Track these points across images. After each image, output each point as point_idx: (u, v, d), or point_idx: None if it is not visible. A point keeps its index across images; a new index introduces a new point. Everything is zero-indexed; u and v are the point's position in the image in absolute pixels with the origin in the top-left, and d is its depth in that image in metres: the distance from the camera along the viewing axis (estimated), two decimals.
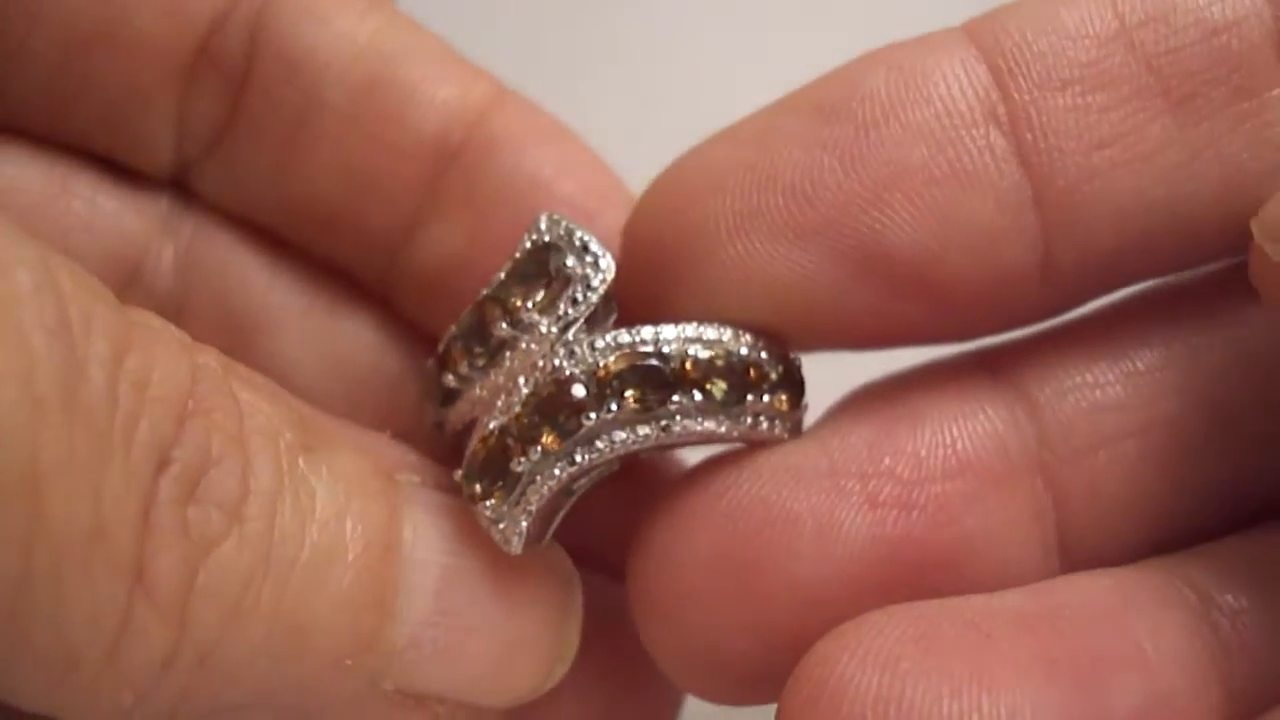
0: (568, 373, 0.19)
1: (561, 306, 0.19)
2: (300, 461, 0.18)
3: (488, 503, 0.19)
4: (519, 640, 0.20)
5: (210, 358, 0.17)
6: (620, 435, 0.19)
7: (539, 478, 0.19)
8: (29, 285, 0.14)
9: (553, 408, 0.19)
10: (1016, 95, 0.19)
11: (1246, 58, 0.19)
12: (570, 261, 0.20)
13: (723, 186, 0.19)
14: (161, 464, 0.16)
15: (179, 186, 0.24)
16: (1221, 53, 0.19)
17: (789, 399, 0.20)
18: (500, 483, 0.19)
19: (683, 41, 0.45)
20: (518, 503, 0.19)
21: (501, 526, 0.19)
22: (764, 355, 0.20)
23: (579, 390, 0.19)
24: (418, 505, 0.19)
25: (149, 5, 0.21)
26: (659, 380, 0.19)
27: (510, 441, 0.19)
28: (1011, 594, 0.19)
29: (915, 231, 0.19)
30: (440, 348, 0.21)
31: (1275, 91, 0.19)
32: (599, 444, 0.19)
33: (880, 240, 0.19)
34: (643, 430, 0.19)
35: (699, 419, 0.19)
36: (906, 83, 0.19)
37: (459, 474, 0.20)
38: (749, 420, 0.20)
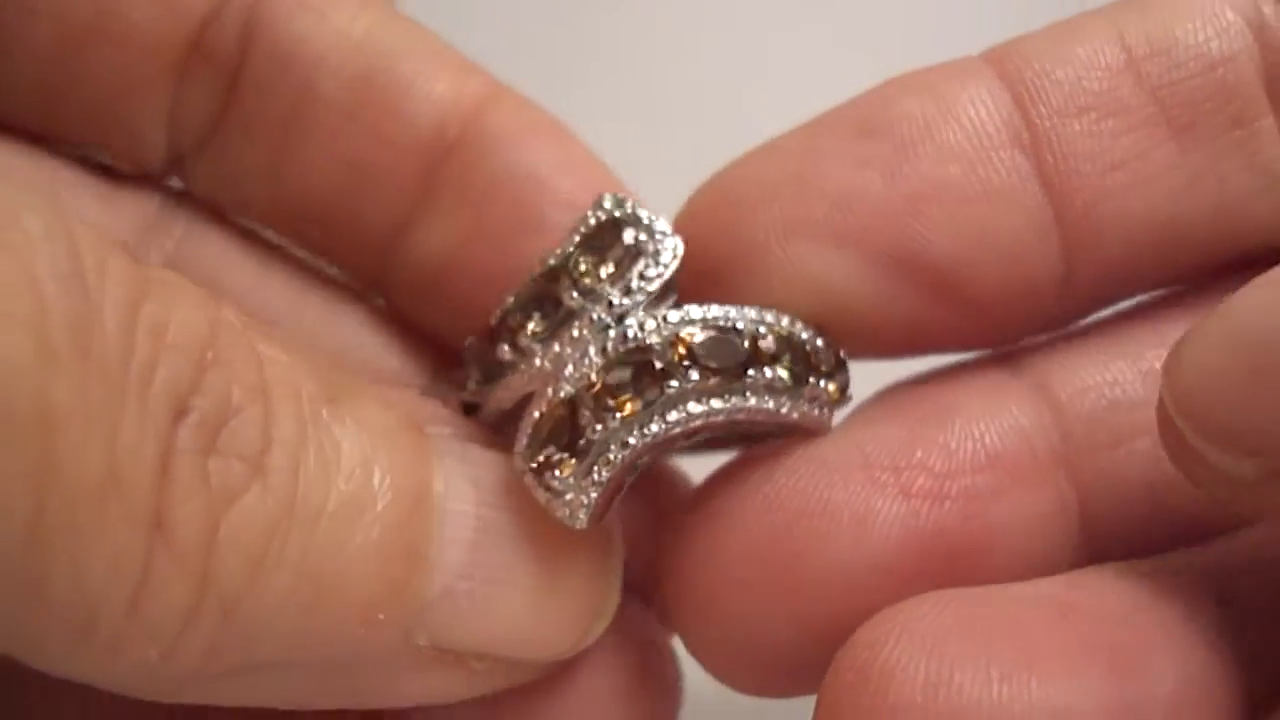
0: (647, 341, 0.19)
1: (632, 279, 0.19)
2: (324, 412, 0.17)
3: (555, 473, 0.19)
4: (557, 594, 0.19)
5: (230, 313, 0.17)
6: (696, 408, 0.19)
7: (613, 447, 0.19)
8: (39, 231, 0.14)
9: (632, 375, 0.19)
10: (1038, 121, 0.20)
11: (1240, 90, 0.20)
12: (641, 237, 0.20)
13: (772, 195, 0.20)
14: (180, 412, 0.15)
15: (170, 185, 0.23)
16: (1218, 85, 0.20)
17: (838, 388, 0.21)
18: (569, 453, 0.19)
19: (682, 41, 0.46)
20: (588, 473, 0.19)
21: (568, 498, 0.19)
22: (820, 344, 0.20)
23: (658, 359, 0.19)
24: (450, 457, 0.19)
25: None
26: (734, 355, 0.19)
27: (584, 410, 0.19)
28: (1045, 583, 0.19)
29: (950, 242, 0.20)
30: (495, 319, 0.21)
31: (1263, 122, 0.21)
32: (673, 415, 0.19)
33: (918, 249, 0.20)
34: (716, 404, 0.19)
35: (767, 398, 0.19)
36: (939, 106, 0.20)
37: (520, 444, 0.19)
38: (805, 405, 0.20)
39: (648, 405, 0.19)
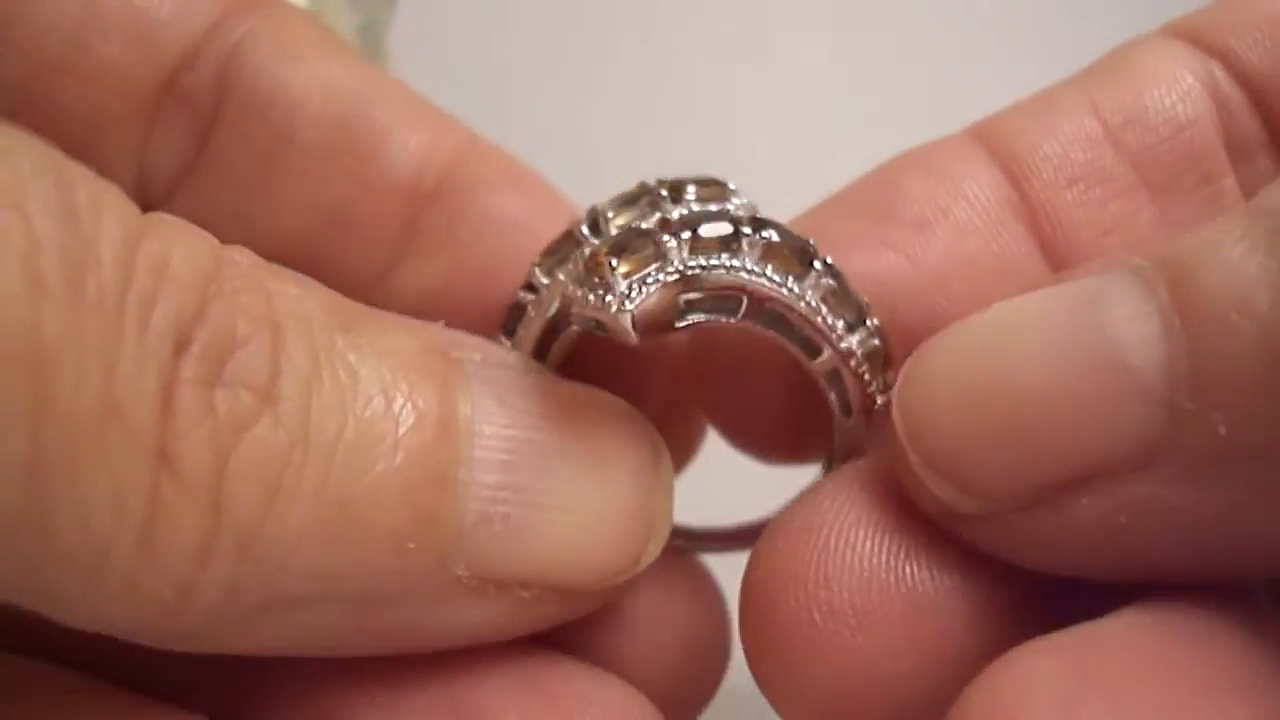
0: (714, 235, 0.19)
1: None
2: (338, 340, 0.17)
3: (617, 265, 0.18)
4: (602, 514, 0.18)
5: (237, 253, 0.17)
6: (747, 263, 0.18)
7: (674, 247, 0.18)
8: (28, 168, 0.14)
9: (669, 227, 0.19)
10: (1033, 195, 0.22)
11: (1205, 150, 0.22)
12: (664, 191, 0.20)
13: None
14: (181, 344, 0.15)
15: None
16: (1187, 147, 0.22)
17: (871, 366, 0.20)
18: (630, 251, 0.18)
19: (681, 40, 0.46)
20: (643, 269, 0.18)
21: (621, 290, 0.18)
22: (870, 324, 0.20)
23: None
24: (476, 380, 0.18)
25: (117, 34, 0.21)
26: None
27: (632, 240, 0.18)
28: (1122, 623, 0.17)
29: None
30: (525, 279, 0.21)
31: (1226, 180, 0.22)
32: (724, 257, 0.18)
33: (945, 320, 0.20)
34: (768, 270, 0.19)
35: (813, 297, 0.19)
36: (945, 186, 0.22)
37: (600, 247, 0.18)
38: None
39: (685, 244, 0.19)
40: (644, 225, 0.19)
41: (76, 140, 0.21)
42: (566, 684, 0.18)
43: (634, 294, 0.18)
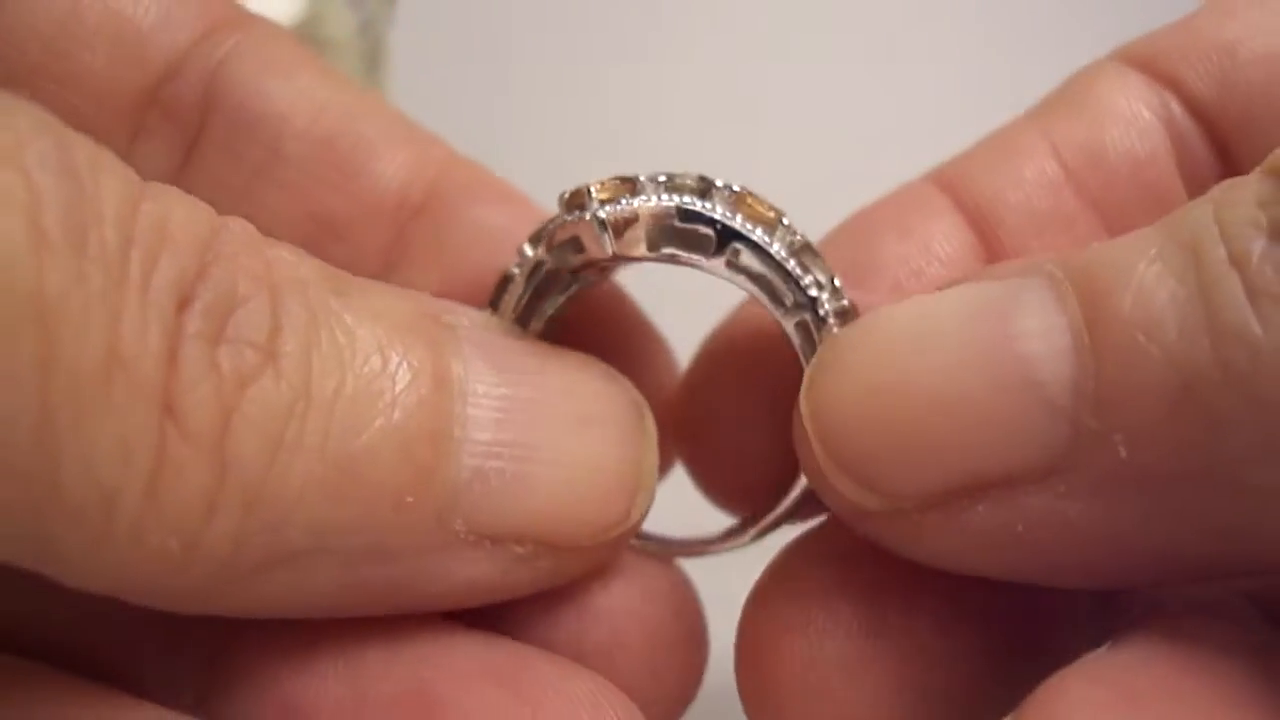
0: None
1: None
2: (333, 302, 0.17)
3: (595, 192, 0.19)
4: (592, 468, 0.19)
5: (234, 222, 0.17)
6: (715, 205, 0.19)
7: (650, 184, 0.19)
8: (28, 129, 0.14)
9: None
10: (999, 246, 0.22)
11: (1163, 185, 0.22)
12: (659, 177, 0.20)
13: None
14: (184, 301, 0.15)
15: None
16: (1147, 186, 0.22)
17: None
18: (609, 186, 0.19)
19: (682, 44, 0.46)
20: (625, 193, 0.19)
21: (601, 214, 0.19)
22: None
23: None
24: (468, 342, 0.19)
25: (100, 43, 0.21)
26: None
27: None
28: (1141, 651, 0.17)
29: None
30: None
31: None
32: (690, 200, 0.19)
33: None
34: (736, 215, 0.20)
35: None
36: (918, 247, 0.22)
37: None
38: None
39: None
40: (624, 175, 0.20)
41: None
42: (533, 674, 0.18)
43: (608, 210, 0.19)
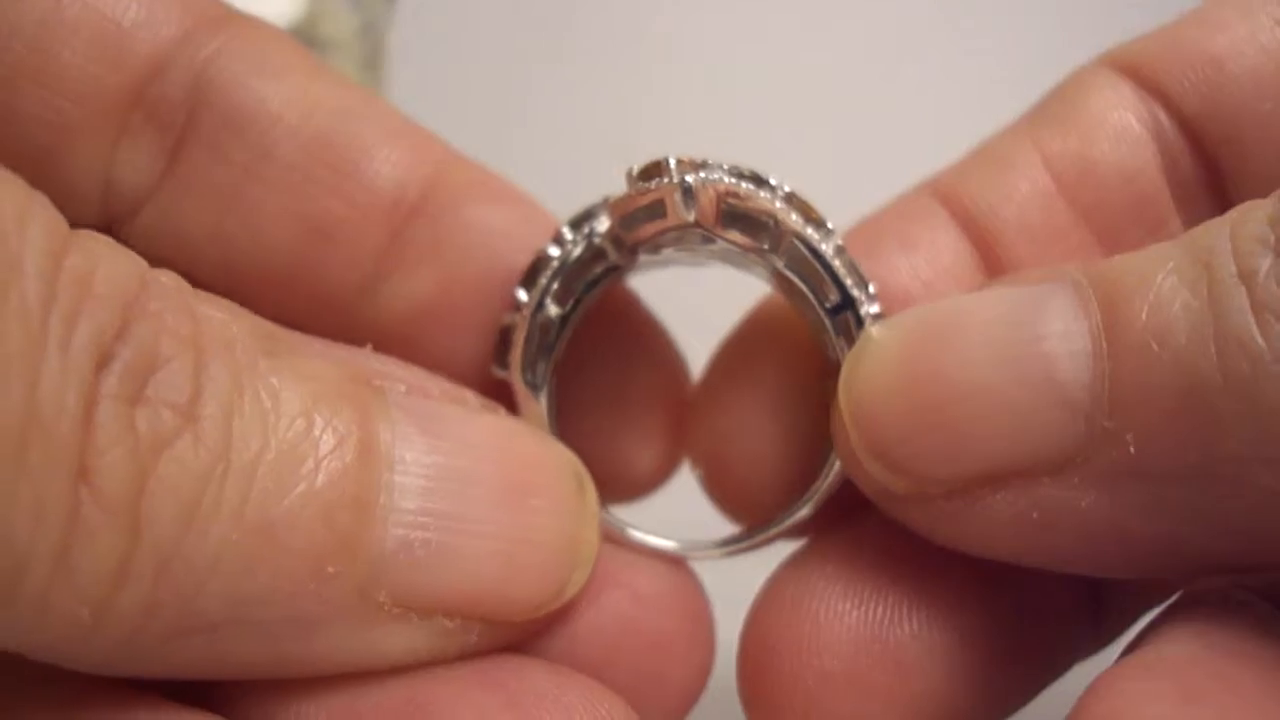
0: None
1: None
2: (260, 364, 0.17)
3: (673, 164, 0.20)
4: (525, 542, 0.18)
5: (165, 276, 0.17)
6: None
7: (719, 165, 0.20)
8: None
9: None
10: (996, 260, 0.22)
11: (1151, 196, 0.22)
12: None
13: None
14: (103, 359, 0.15)
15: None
16: (1136, 196, 0.22)
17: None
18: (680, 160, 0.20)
19: (683, 43, 0.46)
20: (699, 169, 0.20)
21: (678, 175, 0.20)
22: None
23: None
24: (397, 407, 0.18)
25: (81, 41, 0.20)
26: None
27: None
28: (1187, 646, 0.17)
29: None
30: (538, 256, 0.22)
31: (1172, 224, 0.22)
32: (753, 186, 0.20)
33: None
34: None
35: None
36: (925, 259, 0.22)
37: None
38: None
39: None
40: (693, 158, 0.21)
41: (40, 148, 0.21)
42: (527, 682, 0.18)
43: (692, 178, 0.20)
